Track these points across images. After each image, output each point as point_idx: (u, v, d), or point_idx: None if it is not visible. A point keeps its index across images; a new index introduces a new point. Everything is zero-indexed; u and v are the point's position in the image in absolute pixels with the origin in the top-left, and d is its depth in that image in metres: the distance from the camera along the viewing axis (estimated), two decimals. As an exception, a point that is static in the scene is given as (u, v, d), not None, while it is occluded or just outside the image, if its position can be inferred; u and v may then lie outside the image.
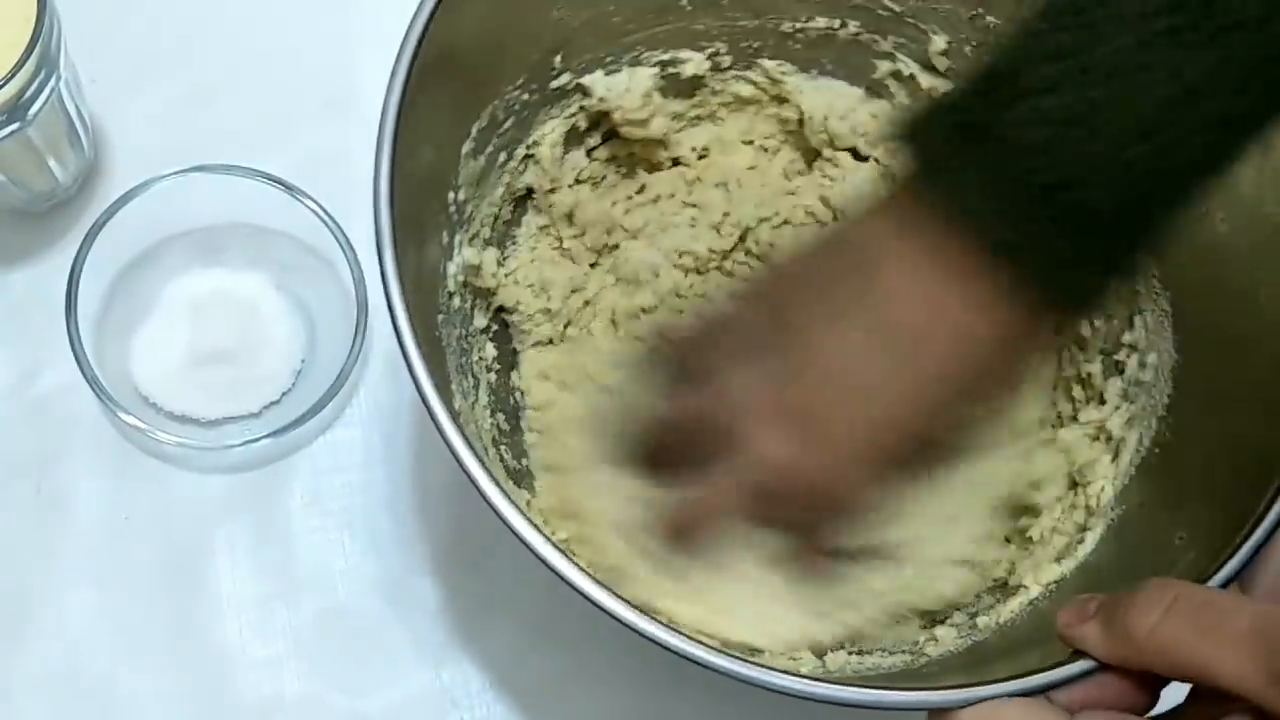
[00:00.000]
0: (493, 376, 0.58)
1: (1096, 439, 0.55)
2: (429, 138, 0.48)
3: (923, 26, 0.57)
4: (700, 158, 0.62)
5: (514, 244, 0.60)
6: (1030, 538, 0.55)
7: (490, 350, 0.58)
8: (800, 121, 0.60)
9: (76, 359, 0.58)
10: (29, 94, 0.54)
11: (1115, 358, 0.55)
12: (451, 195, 0.53)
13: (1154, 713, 0.41)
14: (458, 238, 0.54)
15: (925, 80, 0.59)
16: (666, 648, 0.40)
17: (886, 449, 0.45)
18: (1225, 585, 0.42)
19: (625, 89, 0.57)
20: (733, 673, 0.40)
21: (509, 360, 0.59)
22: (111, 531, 0.60)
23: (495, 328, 0.59)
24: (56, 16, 0.54)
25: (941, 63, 0.58)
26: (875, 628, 0.55)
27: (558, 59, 0.55)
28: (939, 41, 0.57)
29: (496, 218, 0.58)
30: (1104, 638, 0.40)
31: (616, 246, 0.61)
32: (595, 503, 0.53)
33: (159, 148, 0.63)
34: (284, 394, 0.62)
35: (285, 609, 0.60)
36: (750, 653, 0.51)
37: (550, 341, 0.60)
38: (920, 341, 0.43)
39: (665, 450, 0.48)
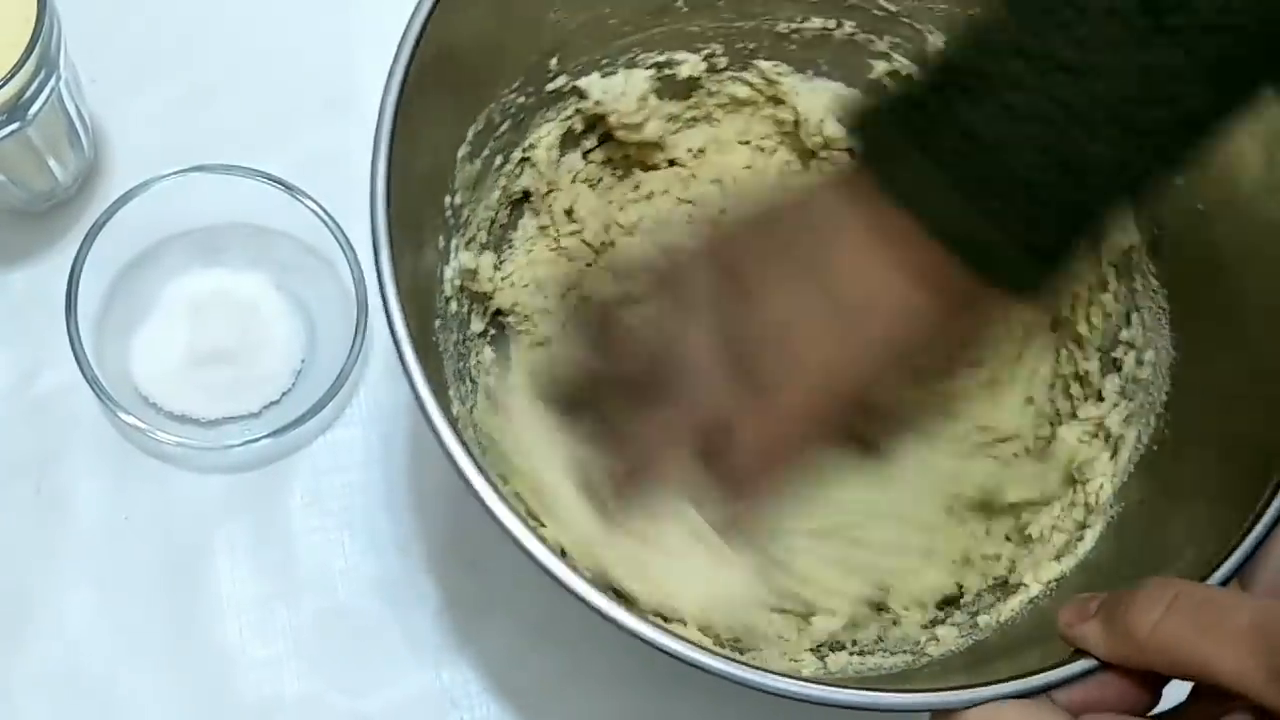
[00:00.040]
0: (491, 380, 0.58)
1: (1095, 436, 0.55)
2: (425, 143, 0.48)
3: (918, 26, 0.57)
4: (696, 158, 0.62)
5: (510, 247, 0.60)
6: (1029, 535, 0.55)
7: (489, 354, 0.58)
8: (796, 123, 0.60)
9: (76, 359, 0.58)
10: (29, 94, 0.54)
11: (1113, 355, 0.55)
12: (448, 200, 0.53)
13: (1156, 710, 0.41)
14: (454, 242, 0.54)
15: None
16: (668, 653, 0.40)
17: (824, 409, 0.47)
18: (1225, 582, 0.43)
19: (621, 91, 0.57)
20: (732, 676, 0.40)
21: (507, 364, 0.59)
22: (111, 531, 0.60)
23: (493, 332, 0.59)
24: (56, 16, 0.54)
25: None
26: (827, 600, 0.55)
27: (554, 61, 0.55)
28: (935, 41, 0.57)
29: (493, 221, 0.58)
30: (1105, 637, 0.40)
31: (613, 243, 0.61)
32: (549, 467, 0.52)
33: (159, 148, 0.63)
34: (284, 394, 0.62)
35: (285, 609, 0.60)
36: (704, 616, 0.52)
37: (548, 341, 0.60)
38: (865, 311, 0.45)
39: (611, 397, 0.49)
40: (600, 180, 0.61)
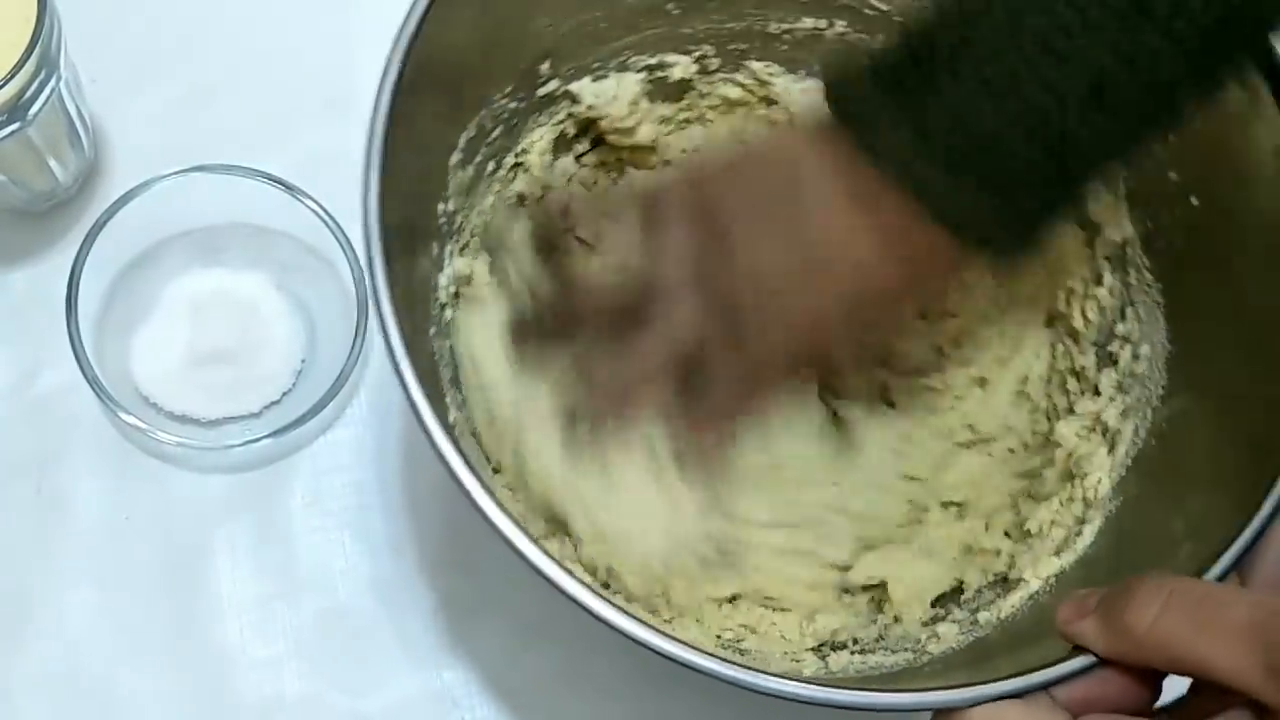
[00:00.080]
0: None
1: (1093, 431, 0.55)
2: (417, 151, 0.48)
3: None
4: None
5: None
6: (1028, 531, 0.55)
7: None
8: (790, 123, 0.60)
9: (77, 359, 0.58)
10: (29, 94, 0.54)
11: (1109, 349, 0.56)
12: (441, 207, 0.53)
13: (1158, 705, 0.41)
14: (448, 249, 0.54)
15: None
16: (662, 654, 0.40)
17: (793, 357, 0.50)
18: (1224, 575, 0.43)
19: (613, 95, 0.57)
20: (728, 677, 0.40)
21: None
22: (112, 531, 0.60)
23: None
24: (57, 17, 0.54)
25: None
26: (779, 589, 0.56)
27: (544, 66, 0.55)
28: None
29: (487, 226, 0.58)
30: (1102, 633, 0.40)
31: None
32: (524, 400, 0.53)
33: (159, 148, 0.63)
34: (284, 394, 0.62)
35: (286, 609, 0.60)
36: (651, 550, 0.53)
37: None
38: (839, 266, 0.46)
39: (590, 329, 0.51)
40: (595, 183, 0.61)
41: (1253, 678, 0.35)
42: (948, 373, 0.59)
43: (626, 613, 0.41)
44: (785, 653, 0.54)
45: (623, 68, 0.57)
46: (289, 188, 0.60)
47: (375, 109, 0.45)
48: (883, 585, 0.56)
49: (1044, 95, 0.41)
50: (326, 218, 0.60)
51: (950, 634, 0.52)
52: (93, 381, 0.58)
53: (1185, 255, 0.52)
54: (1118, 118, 0.41)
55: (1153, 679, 0.40)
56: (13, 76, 0.52)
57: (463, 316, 0.55)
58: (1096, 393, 0.55)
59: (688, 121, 0.61)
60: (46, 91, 0.55)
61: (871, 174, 0.44)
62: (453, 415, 0.50)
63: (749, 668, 0.41)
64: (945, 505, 0.58)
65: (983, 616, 0.52)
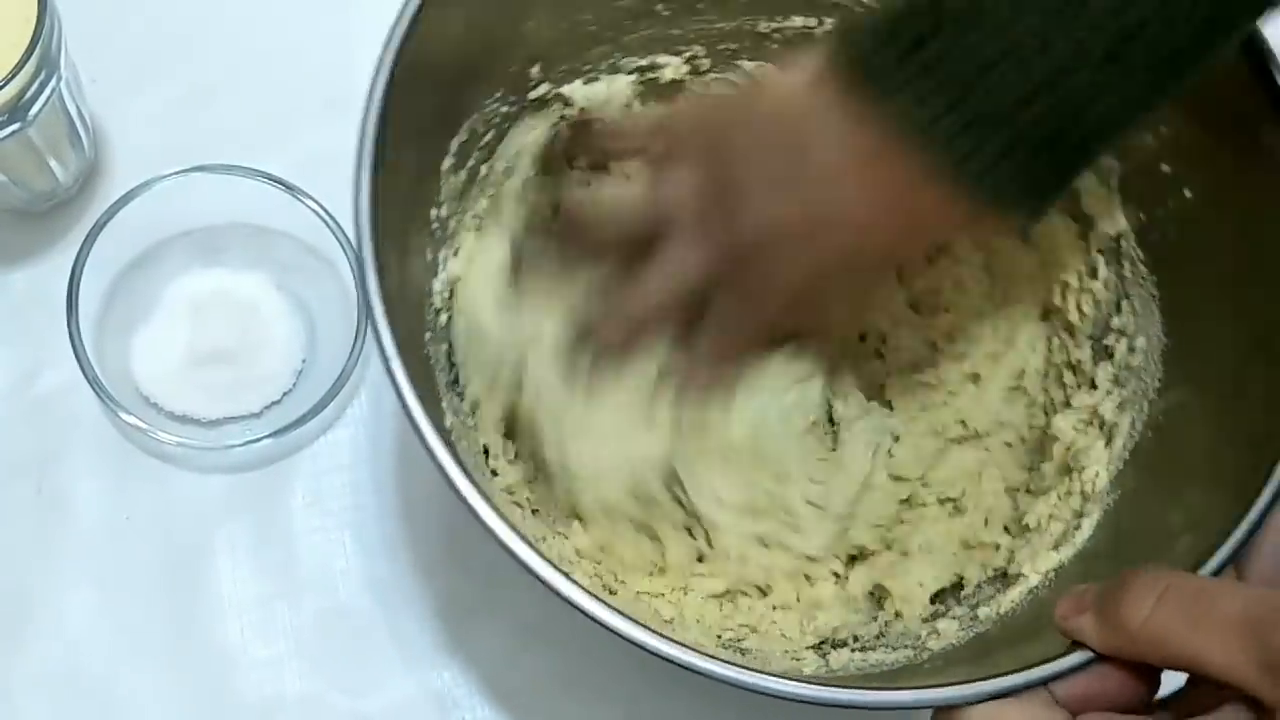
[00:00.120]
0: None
1: (1090, 424, 0.55)
2: (408, 158, 0.48)
3: None
4: None
5: None
6: (1027, 525, 0.55)
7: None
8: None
9: (77, 359, 0.58)
10: (30, 94, 0.54)
11: (1104, 342, 0.56)
12: (434, 212, 0.53)
13: (1157, 696, 0.41)
14: (442, 253, 0.54)
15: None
16: (663, 657, 0.40)
17: (793, 307, 0.51)
18: (1222, 569, 0.43)
19: (605, 98, 0.57)
20: (728, 678, 0.40)
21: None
22: (112, 531, 0.60)
23: None
24: (57, 17, 0.54)
25: None
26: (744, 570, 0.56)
27: (535, 70, 0.55)
28: None
29: (479, 228, 0.57)
30: (1099, 629, 0.40)
31: None
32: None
33: (159, 148, 0.63)
34: (285, 394, 0.62)
35: (286, 609, 0.60)
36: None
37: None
38: (841, 219, 0.47)
39: (598, 264, 0.52)
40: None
41: (1247, 674, 0.35)
42: (941, 368, 0.59)
43: (624, 615, 0.41)
44: (786, 651, 0.54)
45: (614, 70, 0.57)
46: (289, 188, 0.60)
47: (366, 112, 0.45)
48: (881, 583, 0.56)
49: (1068, 48, 0.41)
50: (326, 218, 0.60)
51: (950, 630, 0.52)
52: (93, 381, 0.58)
53: (1179, 247, 0.52)
54: (1129, 78, 0.42)
55: (1151, 674, 0.40)
56: (13, 77, 0.52)
57: (459, 266, 0.55)
58: (1093, 386, 0.55)
59: None
60: (47, 92, 0.55)
61: (882, 130, 0.44)
62: (449, 420, 0.50)
63: (748, 668, 0.41)
64: (942, 501, 0.58)
65: (983, 612, 0.52)
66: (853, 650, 0.54)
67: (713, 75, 0.59)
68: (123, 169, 0.64)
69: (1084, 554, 0.51)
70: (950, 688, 0.41)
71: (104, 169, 0.64)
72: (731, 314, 0.51)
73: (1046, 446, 0.56)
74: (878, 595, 0.56)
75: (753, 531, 0.55)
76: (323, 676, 0.59)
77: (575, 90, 0.57)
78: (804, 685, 0.41)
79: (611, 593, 0.54)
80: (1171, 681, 0.41)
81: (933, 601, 0.55)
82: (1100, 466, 0.53)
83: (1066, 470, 0.55)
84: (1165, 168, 0.51)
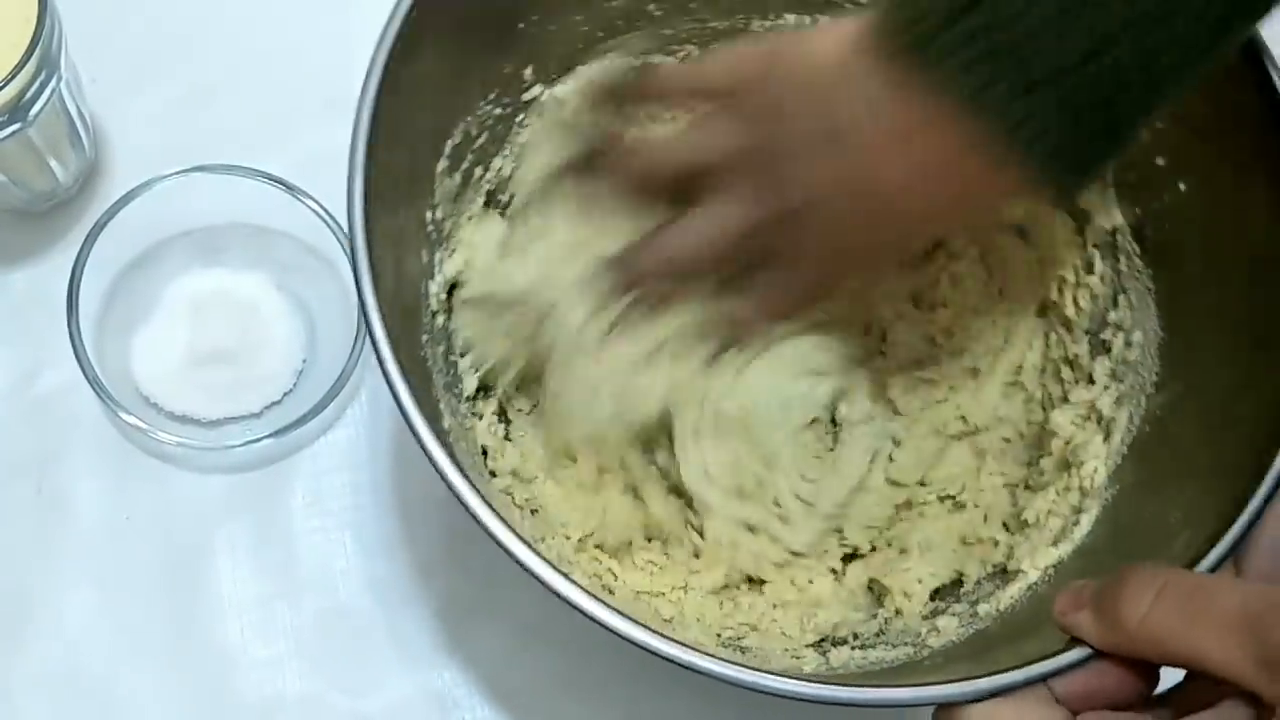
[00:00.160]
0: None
1: (1088, 419, 0.55)
2: (401, 160, 0.48)
3: None
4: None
5: None
6: (1025, 521, 0.55)
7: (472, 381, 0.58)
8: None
9: (77, 359, 0.58)
10: (30, 94, 0.54)
11: (1101, 337, 0.56)
12: (429, 215, 0.53)
13: (1156, 690, 0.41)
14: (437, 255, 0.54)
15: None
16: (663, 656, 0.40)
17: (839, 274, 0.53)
18: (1219, 564, 0.43)
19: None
20: (728, 677, 0.40)
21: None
22: (112, 531, 0.60)
23: None
24: (57, 17, 0.54)
25: None
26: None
27: (528, 71, 0.55)
28: None
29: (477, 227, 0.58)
30: (1097, 626, 0.40)
31: None
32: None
33: (159, 148, 0.63)
34: (285, 394, 0.62)
35: (286, 609, 0.60)
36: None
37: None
38: (888, 193, 0.47)
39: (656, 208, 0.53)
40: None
41: (1245, 670, 0.35)
42: (942, 364, 0.59)
43: (624, 615, 0.41)
44: (786, 649, 0.54)
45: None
46: (289, 188, 0.60)
47: (358, 115, 0.46)
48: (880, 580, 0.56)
49: (1119, 9, 0.40)
50: (326, 218, 0.60)
51: (950, 627, 0.52)
52: (93, 381, 0.58)
53: (1175, 242, 0.52)
54: (1189, 34, 0.41)
55: (1150, 670, 0.40)
56: (13, 77, 0.52)
57: (460, 257, 0.56)
58: (1090, 381, 0.55)
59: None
60: (47, 92, 0.55)
61: (929, 99, 0.44)
62: (447, 421, 0.50)
63: (748, 666, 0.41)
64: (941, 499, 0.58)
65: (982, 609, 0.52)
66: (853, 648, 0.54)
67: None
68: (123, 169, 0.64)
69: (1083, 549, 0.52)
70: (950, 685, 0.41)
71: (104, 169, 0.64)
72: (781, 273, 0.51)
73: (1045, 442, 0.56)
74: (877, 592, 0.57)
75: (740, 516, 0.56)
76: (323, 676, 0.59)
77: (570, 91, 0.57)
78: (804, 683, 0.41)
79: (610, 592, 0.54)
80: (1170, 676, 0.41)
81: (932, 598, 0.56)
82: (1099, 461, 0.53)
83: (1065, 465, 0.55)
84: (1159, 161, 0.51)
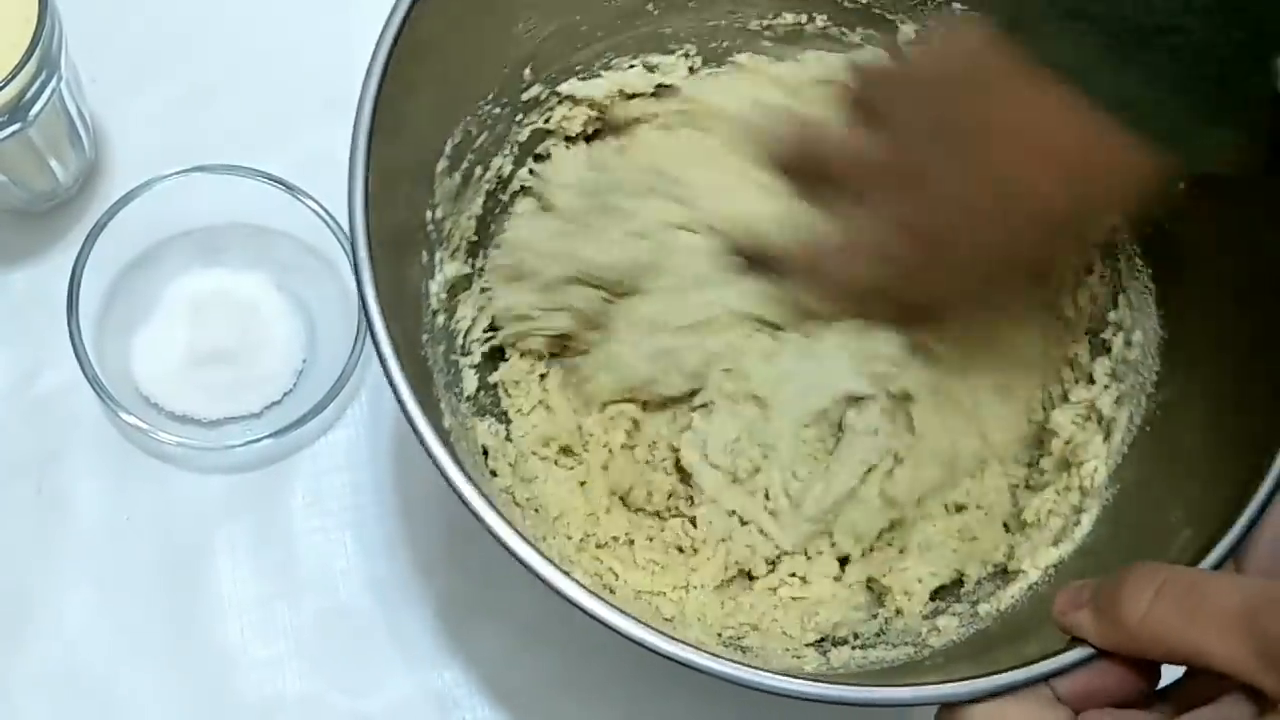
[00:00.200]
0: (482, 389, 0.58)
1: (1088, 419, 0.55)
2: (402, 160, 0.48)
3: (890, 16, 0.57)
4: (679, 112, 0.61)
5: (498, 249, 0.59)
6: (1026, 521, 0.55)
7: (472, 380, 0.58)
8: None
9: (77, 359, 0.58)
10: (30, 94, 0.54)
11: (1101, 336, 0.56)
12: (429, 215, 0.53)
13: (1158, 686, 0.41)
14: (438, 255, 0.54)
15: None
16: (664, 655, 0.40)
17: (972, 285, 0.52)
18: (1221, 562, 0.43)
19: (603, 96, 0.58)
20: (728, 676, 0.40)
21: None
22: (112, 531, 0.60)
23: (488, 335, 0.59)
24: (57, 17, 0.54)
25: None
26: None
27: (528, 70, 0.55)
28: (907, 30, 0.57)
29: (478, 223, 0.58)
30: (1097, 625, 0.40)
31: None
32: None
33: (159, 148, 0.63)
34: (285, 394, 0.62)
35: (286, 609, 0.60)
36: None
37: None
38: (1027, 200, 0.47)
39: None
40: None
41: (1246, 665, 0.35)
42: (942, 362, 0.59)
43: (625, 613, 0.41)
44: (786, 649, 0.54)
45: (607, 69, 0.57)
46: (289, 188, 0.60)
47: (358, 114, 0.45)
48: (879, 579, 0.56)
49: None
50: (326, 218, 0.60)
51: (951, 626, 0.52)
52: (93, 381, 0.58)
53: (1174, 241, 0.52)
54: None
55: (1151, 668, 0.40)
56: (13, 77, 0.52)
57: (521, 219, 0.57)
58: (1090, 381, 0.55)
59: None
60: (47, 92, 0.55)
61: (1049, 89, 0.43)
62: (448, 420, 0.50)
63: (749, 665, 0.41)
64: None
65: (983, 608, 0.52)
66: (853, 647, 0.54)
67: (705, 72, 0.60)
68: (123, 169, 0.64)
69: (1083, 549, 0.52)
70: (951, 685, 0.41)
71: (104, 169, 0.64)
72: (920, 288, 0.52)
73: (1045, 441, 0.56)
74: (877, 592, 0.56)
75: (731, 503, 0.56)
76: (323, 676, 0.59)
77: (574, 87, 0.57)
78: (804, 683, 0.41)
79: (611, 591, 0.54)
80: (1171, 672, 0.41)
81: (933, 598, 0.55)
82: (1099, 461, 0.53)
83: (1065, 465, 0.55)
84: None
